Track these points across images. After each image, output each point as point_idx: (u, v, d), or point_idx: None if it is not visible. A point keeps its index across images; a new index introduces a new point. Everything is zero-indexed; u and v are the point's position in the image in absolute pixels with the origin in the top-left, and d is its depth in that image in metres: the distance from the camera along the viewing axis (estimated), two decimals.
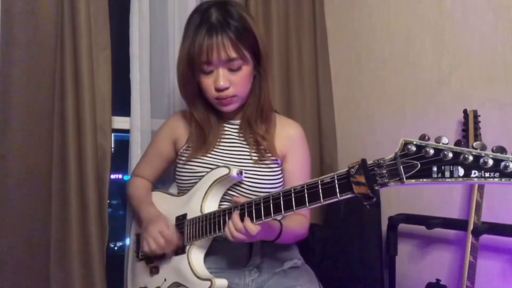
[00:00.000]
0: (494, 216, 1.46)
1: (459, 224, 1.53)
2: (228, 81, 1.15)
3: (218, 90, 1.15)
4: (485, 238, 1.43)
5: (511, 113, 1.48)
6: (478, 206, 1.40)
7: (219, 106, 1.20)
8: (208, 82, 1.16)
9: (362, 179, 0.81)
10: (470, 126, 1.48)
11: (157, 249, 1.14)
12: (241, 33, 1.12)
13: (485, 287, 1.49)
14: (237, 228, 1.00)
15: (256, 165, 1.20)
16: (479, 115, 1.49)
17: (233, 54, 1.12)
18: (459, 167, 0.70)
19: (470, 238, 1.37)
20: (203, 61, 1.12)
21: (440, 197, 1.65)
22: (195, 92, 1.20)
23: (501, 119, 1.49)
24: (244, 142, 1.25)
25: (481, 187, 1.42)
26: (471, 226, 1.38)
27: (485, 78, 1.53)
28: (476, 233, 1.37)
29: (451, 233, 1.62)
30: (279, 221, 1.10)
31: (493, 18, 1.52)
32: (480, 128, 1.48)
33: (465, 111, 1.52)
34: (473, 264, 1.35)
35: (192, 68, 1.14)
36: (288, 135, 1.27)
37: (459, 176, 0.70)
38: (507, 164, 0.66)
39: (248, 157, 1.22)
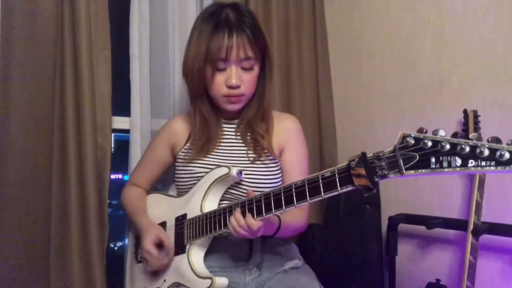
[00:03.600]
0: (494, 216, 1.46)
1: (459, 224, 1.53)
2: (240, 79, 1.17)
3: (230, 87, 1.17)
4: (485, 238, 1.43)
5: (511, 113, 1.48)
6: (478, 206, 1.40)
7: (226, 104, 1.21)
8: (220, 79, 1.17)
9: (362, 171, 0.82)
10: (470, 126, 1.48)
11: (152, 266, 1.19)
12: (256, 32, 1.17)
13: (485, 287, 1.49)
14: (240, 224, 1.02)
15: (254, 165, 1.21)
16: (479, 115, 1.50)
17: (250, 53, 1.15)
18: (457, 157, 0.72)
19: (470, 238, 1.37)
20: (220, 58, 1.14)
21: (440, 197, 1.65)
22: (203, 89, 1.22)
23: (501, 119, 1.49)
24: (241, 142, 1.25)
25: (481, 187, 1.42)
26: (471, 226, 1.38)
27: (485, 78, 1.53)
28: (476, 233, 1.37)
29: (451, 233, 1.62)
30: (277, 216, 1.11)
31: (493, 18, 1.52)
32: (480, 128, 1.48)
33: (465, 111, 1.53)
34: (473, 264, 1.35)
35: (206, 65, 1.16)
36: (285, 127, 1.29)
37: (456, 166, 0.72)
38: (503, 153, 0.68)
39: (245, 157, 1.23)
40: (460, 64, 1.60)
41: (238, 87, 1.17)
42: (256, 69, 1.20)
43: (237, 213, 1.03)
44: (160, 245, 1.18)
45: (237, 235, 1.03)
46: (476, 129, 1.47)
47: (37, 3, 1.32)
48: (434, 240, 1.68)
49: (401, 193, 1.76)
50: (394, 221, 1.68)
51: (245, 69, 1.17)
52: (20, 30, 1.29)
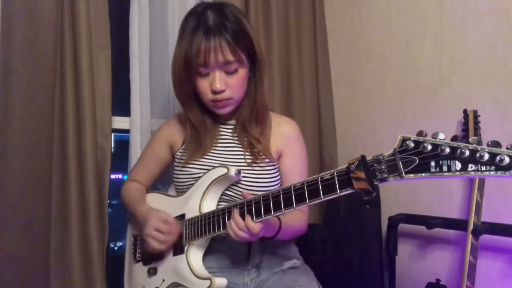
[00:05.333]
0: (494, 216, 1.46)
1: (459, 224, 1.53)
2: (225, 83, 1.15)
3: (214, 92, 1.15)
4: (485, 238, 1.43)
5: (511, 113, 1.48)
6: (478, 206, 1.40)
7: (215, 108, 1.20)
8: (204, 85, 1.16)
9: (362, 174, 0.82)
10: (470, 126, 1.48)
11: (157, 245, 1.15)
12: (238, 36, 1.13)
13: (485, 287, 1.49)
14: (240, 227, 1.01)
15: (251, 167, 1.20)
16: (479, 115, 1.49)
17: (230, 57, 1.12)
18: (456, 161, 0.72)
19: (470, 238, 1.37)
20: (200, 64, 1.12)
21: (440, 197, 1.65)
22: (191, 95, 1.20)
23: (501, 119, 1.49)
24: (238, 143, 1.25)
25: (481, 187, 1.42)
26: (471, 226, 1.38)
27: (485, 78, 1.53)
28: (476, 233, 1.37)
29: (451, 233, 1.62)
30: (278, 217, 1.10)
31: (493, 18, 1.52)
32: (480, 128, 1.48)
33: (465, 111, 1.52)
34: (473, 264, 1.35)
35: (188, 71, 1.14)
36: (283, 133, 1.27)
37: (456, 170, 0.72)
38: (503, 157, 0.68)
39: (242, 159, 1.22)
40: (460, 64, 1.60)
41: (222, 91, 1.15)
42: (242, 71, 1.17)
43: (236, 215, 1.02)
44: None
45: (237, 238, 1.02)
46: (476, 129, 1.47)
47: (37, 3, 1.32)
48: (434, 240, 1.68)
49: (401, 193, 1.76)
50: (394, 221, 1.68)
51: (229, 72, 1.15)
52: (20, 30, 1.29)
